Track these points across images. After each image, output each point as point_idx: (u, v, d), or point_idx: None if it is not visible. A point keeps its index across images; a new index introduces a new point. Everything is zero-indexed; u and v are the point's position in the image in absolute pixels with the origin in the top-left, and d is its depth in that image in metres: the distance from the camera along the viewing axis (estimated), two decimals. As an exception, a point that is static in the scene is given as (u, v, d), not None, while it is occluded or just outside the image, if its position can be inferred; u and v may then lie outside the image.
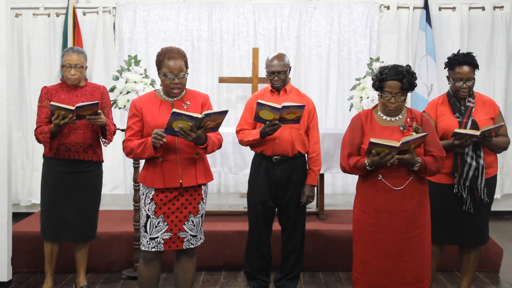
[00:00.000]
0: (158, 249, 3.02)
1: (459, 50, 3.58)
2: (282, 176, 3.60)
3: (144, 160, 3.10)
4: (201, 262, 4.31)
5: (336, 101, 6.24)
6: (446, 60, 3.47)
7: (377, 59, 4.79)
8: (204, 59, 6.25)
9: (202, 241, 3.16)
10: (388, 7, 6.20)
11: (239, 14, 6.21)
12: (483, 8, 6.16)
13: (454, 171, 3.35)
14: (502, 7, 6.15)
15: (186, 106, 3.05)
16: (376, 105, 3.13)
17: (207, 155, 3.14)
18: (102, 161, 3.79)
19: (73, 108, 3.36)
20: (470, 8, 6.15)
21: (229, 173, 5.85)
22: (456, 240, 3.47)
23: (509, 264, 4.51)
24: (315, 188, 3.70)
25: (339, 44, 6.21)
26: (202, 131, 2.88)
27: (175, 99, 3.07)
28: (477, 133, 3.22)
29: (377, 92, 3.03)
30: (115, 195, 6.10)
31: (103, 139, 3.69)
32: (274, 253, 3.84)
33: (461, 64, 3.37)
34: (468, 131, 3.25)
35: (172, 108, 3.01)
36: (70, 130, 3.58)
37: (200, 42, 6.23)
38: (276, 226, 3.76)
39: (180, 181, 3.00)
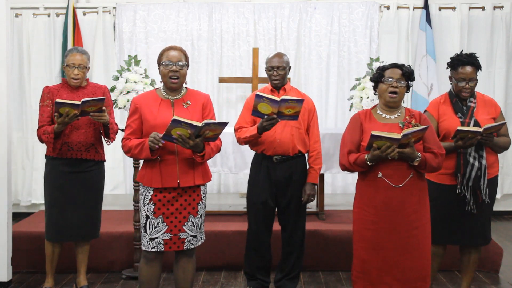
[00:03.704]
0: (158, 250, 3.02)
1: (462, 50, 3.59)
2: (282, 176, 3.60)
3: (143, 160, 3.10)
4: (201, 262, 4.31)
5: (336, 101, 6.24)
6: (449, 60, 3.47)
7: (377, 59, 4.80)
8: (204, 59, 6.26)
9: (202, 241, 3.16)
10: (388, 7, 6.21)
11: (239, 14, 6.22)
12: (483, 8, 6.16)
13: (457, 172, 3.35)
14: (502, 7, 6.16)
15: (186, 105, 3.05)
16: (375, 106, 3.16)
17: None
18: (104, 160, 3.79)
19: (79, 102, 3.34)
20: (470, 8, 6.16)
21: (229, 173, 5.85)
22: (459, 240, 3.46)
23: (509, 264, 4.51)
24: (316, 186, 3.70)
25: (339, 44, 6.21)
26: (200, 139, 2.88)
27: (176, 97, 3.07)
28: (480, 129, 3.21)
29: (377, 85, 3.07)
30: (115, 195, 6.10)
31: (105, 138, 3.68)
32: (274, 253, 3.84)
33: (464, 64, 3.38)
34: (471, 128, 3.25)
35: (172, 107, 3.01)
36: (72, 129, 3.58)
37: (200, 42, 6.23)
38: (276, 226, 3.76)
39: (178, 181, 3.00)
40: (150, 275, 3.09)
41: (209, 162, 4.78)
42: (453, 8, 6.16)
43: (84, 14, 6.19)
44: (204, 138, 2.90)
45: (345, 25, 6.19)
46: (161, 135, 2.86)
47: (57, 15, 6.17)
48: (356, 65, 6.17)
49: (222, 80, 5.99)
